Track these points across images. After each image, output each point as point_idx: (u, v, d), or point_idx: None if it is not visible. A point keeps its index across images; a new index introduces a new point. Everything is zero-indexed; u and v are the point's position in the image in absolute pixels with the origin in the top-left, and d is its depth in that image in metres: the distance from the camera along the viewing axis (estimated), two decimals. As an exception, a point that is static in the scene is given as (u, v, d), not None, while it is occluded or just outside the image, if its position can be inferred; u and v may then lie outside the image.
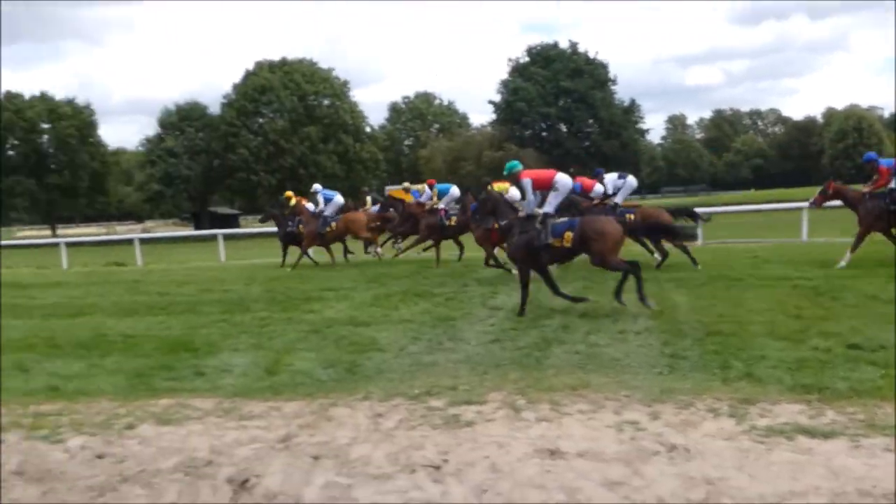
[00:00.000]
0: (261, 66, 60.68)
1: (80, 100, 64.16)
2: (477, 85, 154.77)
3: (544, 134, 58.72)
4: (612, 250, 8.70)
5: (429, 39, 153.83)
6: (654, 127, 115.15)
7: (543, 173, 10.01)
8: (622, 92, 69.60)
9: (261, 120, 58.71)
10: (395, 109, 78.65)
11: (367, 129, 65.09)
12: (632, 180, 13.67)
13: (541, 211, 9.28)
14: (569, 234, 8.78)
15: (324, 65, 62.55)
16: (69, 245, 26.30)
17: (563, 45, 59.66)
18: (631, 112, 61.53)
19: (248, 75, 60.40)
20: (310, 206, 17.50)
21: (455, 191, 15.94)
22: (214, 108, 61.15)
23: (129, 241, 28.64)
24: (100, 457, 4.58)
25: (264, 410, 5.47)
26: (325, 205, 17.15)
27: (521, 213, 9.39)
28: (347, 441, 4.64)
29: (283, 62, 61.01)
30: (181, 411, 5.55)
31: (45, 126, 60.90)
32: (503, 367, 6.40)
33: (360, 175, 58.19)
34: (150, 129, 73.50)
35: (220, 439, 4.80)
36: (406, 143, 76.48)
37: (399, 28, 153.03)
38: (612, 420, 4.83)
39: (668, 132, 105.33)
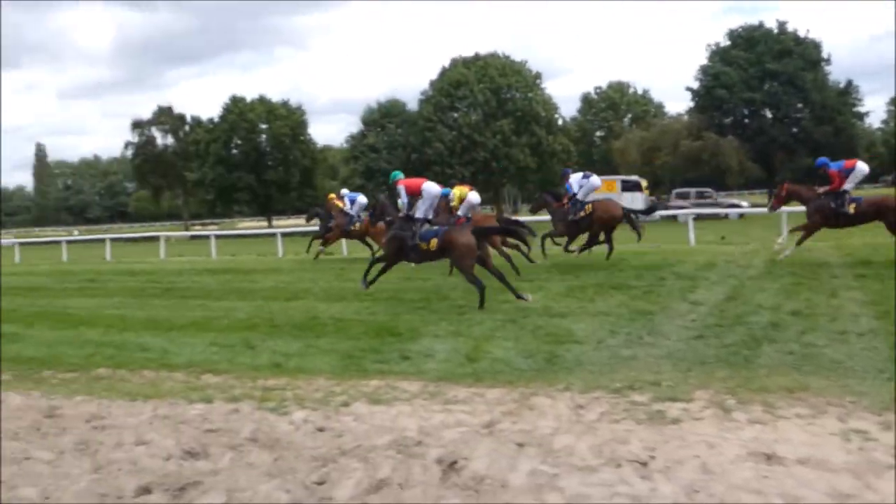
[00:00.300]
0: (456, 63, 62.17)
1: (293, 101, 69.33)
2: (673, 71, 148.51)
3: (746, 121, 55.07)
4: (464, 258, 9.93)
5: (622, 27, 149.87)
6: (874, 109, 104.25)
7: (414, 182, 11.42)
8: (837, 72, 63.50)
9: (455, 114, 60.15)
10: (586, 100, 77.47)
11: (559, 121, 64.66)
12: (595, 179, 15.08)
13: (416, 215, 10.82)
14: (434, 241, 10.31)
15: (516, 57, 62.99)
16: (284, 235, 28.42)
17: (769, 24, 55.68)
18: (847, 94, 56.12)
19: (444, 72, 62.10)
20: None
21: (362, 199, 19.50)
22: (413, 105, 63.56)
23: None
24: (320, 430, 4.92)
25: (468, 396, 5.60)
26: (351, 206, 19.47)
27: (400, 214, 10.98)
28: (550, 431, 4.64)
29: (477, 57, 62.09)
30: (390, 392, 5.84)
31: (263, 126, 66.35)
32: (708, 364, 6.11)
33: (552, 168, 57.95)
34: (354, 126, 77.66)
35: (428, 421, 4.98)
36: (597, 134, 75.12)
37: (591, 17, 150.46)
38: (837, 427, 4.45)
39: (890, 115, 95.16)
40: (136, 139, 78.24)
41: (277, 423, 5.14)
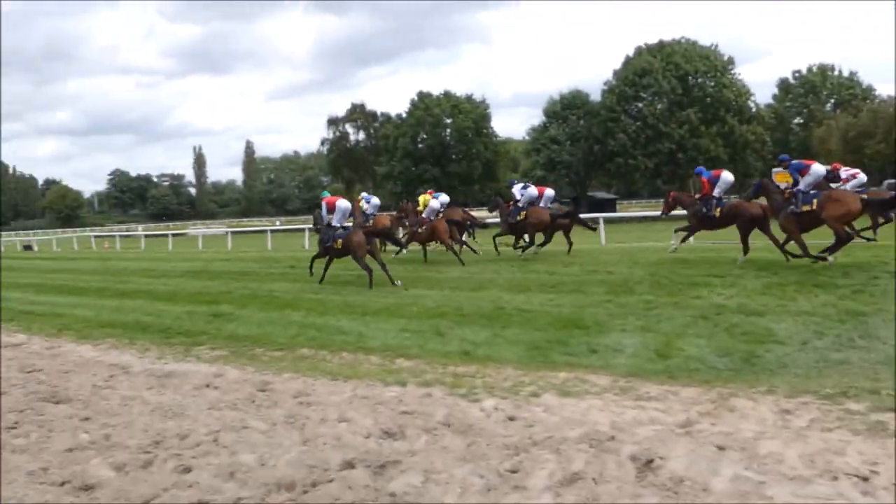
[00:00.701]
0: (640, 51, 60.19)
1: (476, 96, 70.41)
2: (886, 48, 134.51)
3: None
4: (357, 251, 13.32)
5: (825, 3, 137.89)
6: None
7: (331, 199, 14.32)
8: None
9: (639, 104, 58.28)
10: (783, 85, 72.09)
11: (752, 108, 60.67)
12: (532, 190, 17.39)
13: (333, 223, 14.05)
14: (339, 241, 13.61)
15: (704, 42, 59.87)
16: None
17: None
18: None
19: (628, 60, 60.34)
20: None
21: (376, 200, 22.52)
22: (595, 96, 62.36)
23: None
24: (511, 419, 4.93)
25: (661, 393, 5.40)
26: (367, 205, 21.74)
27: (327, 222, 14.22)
28: (753, 435, 4.35)
29: (662, 44, 59.72)
30: (579, 385, 5.75)
31: (448, 121, 67.95)
32: (937, 373, 5.47)
33: (745, 158, 54.61)
34: (535, 118, 77.54)
35: (620, 416, 4.85)
36: (795, 121, 69.70)
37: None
38: None
39: None
40: (331, 135, 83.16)
41: (469, 410, 5.22)
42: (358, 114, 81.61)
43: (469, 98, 69.10)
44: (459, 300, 10.91)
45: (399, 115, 71.48)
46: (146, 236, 45.79)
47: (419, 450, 4.42)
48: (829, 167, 14.96)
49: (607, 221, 25.71)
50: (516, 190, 17.84)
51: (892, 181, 40.15)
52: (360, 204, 22.00)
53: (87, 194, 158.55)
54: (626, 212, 63.05)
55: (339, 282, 14.58)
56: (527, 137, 69.01)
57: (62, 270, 23.34)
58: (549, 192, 17.94)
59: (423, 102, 68.09)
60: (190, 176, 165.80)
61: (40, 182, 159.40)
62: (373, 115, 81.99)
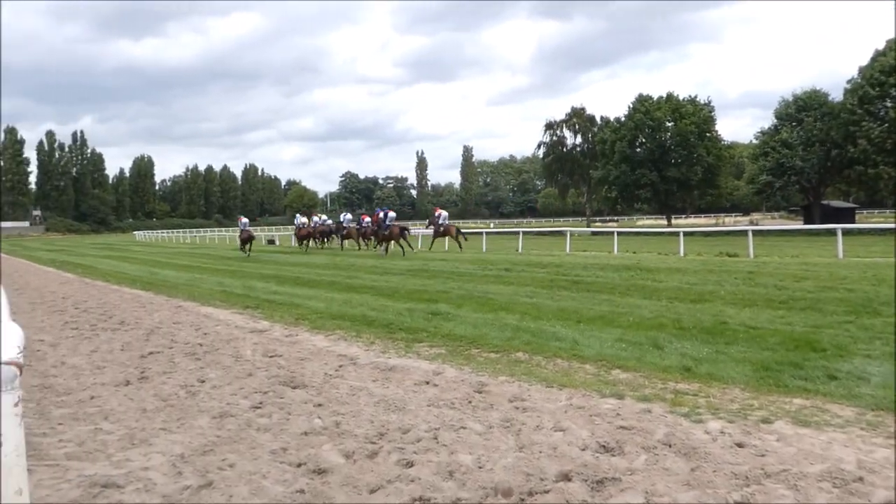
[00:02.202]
0: (891, 46, 53.88)
1: (701, 97, 67.11)
2: None
3: None
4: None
5: None
6: None
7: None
8: None
9: (889, 104, 52.19)
10: None
11: None
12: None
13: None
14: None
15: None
16: (685, 234, 27.65)
17: None
18: None
19: (877, 55, 54.26)
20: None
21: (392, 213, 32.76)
22: (836, 95, 56.84)
23: (739, 233, 28.88)
24: (739, 445, 4.58)
25: (920, 433, 4.74)
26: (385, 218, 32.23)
27: None
28: None
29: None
30: (818, 415, 5.22)
31: (669, 124, 65.38)
32: None
33: None
34: (765, 120, 72.33)
35: (869, 455, 4.32)
36: None
37: None
38: None
39: None
40: (547, 139, 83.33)
41: (692, 431, 4.93)
42: (577, 118, 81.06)
43: (692, 100, 66.03)
44: (678, 312, 10.42)
45: (617, 119, 69.97)
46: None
47: (639, 469, 4.23)
48: None
49: (845, 233, 23.33)
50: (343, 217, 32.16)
51: None
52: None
53: (321, 194, 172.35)
54: (865, 223, 56.89)
55: (553, 286, 14.53)
56: (754, 141, 64.59)
57: (298, 264, 25.48)
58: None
59: (643, 105, 66.08)
60: (412, 178, 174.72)
61: (283, 182, 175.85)
62: (591, 119, 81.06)
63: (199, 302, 14.41)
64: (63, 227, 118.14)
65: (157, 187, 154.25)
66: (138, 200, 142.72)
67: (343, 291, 15.00)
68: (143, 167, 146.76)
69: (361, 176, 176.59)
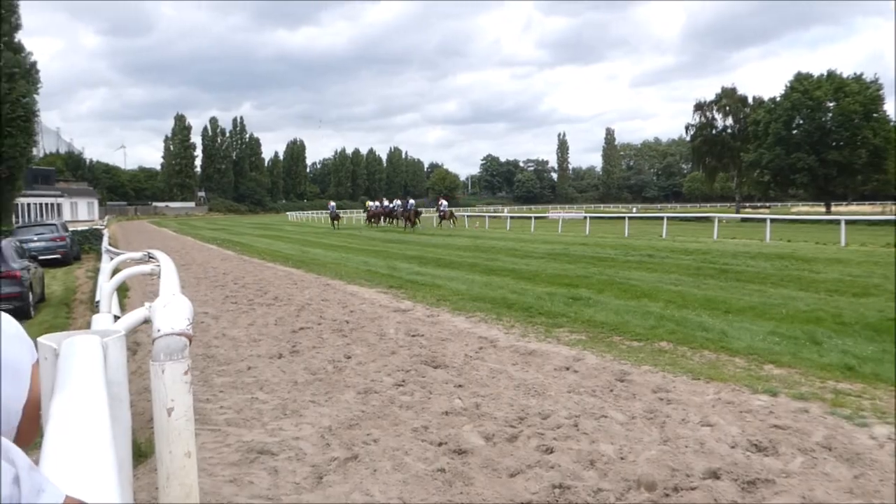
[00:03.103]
0: None
1: (868, 75, 61.80)
2: None
3: None
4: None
5: None
6: None
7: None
8: None
9: None
10: None
11: None
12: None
13: None
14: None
15: None
16: (847, 222, 25.67)
17: None
18: None
19: None
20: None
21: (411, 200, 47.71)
22: None
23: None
24: (912, 453, 4.18)
25: None
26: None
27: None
28: None
29: None
30: None
31: (830, 104, 60.77)
32: None
33: None
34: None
35: None
36: None
37: None
38: None
39: None
40: (696, 121, 79.78)
41: (855, 435, 4.55)
42: (728, 98, 77.06)
43: (858, 78, 60.96)
44: (839, 305, 9.70)
45: (772, 99, 65.82)
46: (511, 218, 48.78)
47: (795, 472, 3.96)
48: None
49: None
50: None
51: None
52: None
53: (462, 177, 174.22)
54: None
55: (699, 274, 13.94)
56: (931, 122, 58.81)
57: (440, 246, 25.87)
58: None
59: (802, 84, 61.72)
60: (553, 161, 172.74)
61: (426, 165, 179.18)
62: (743, 100, 76.77)
63: (345, 280, 14.96)
64: (224, 207, 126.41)
65: (308, 170, 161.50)
66: (291, 182, 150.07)
67: (483, 274, 15.09)
68: (296, 151, 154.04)
69: (502, 159, 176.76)
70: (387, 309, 10.85)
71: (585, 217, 39.00)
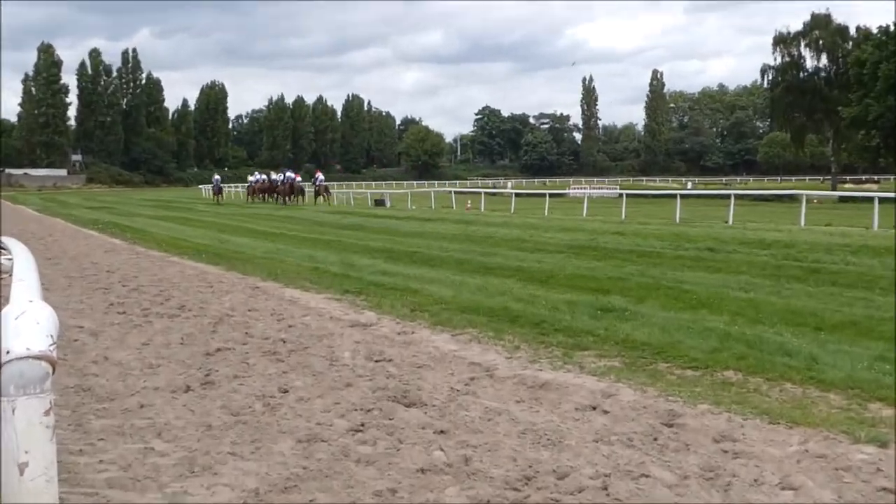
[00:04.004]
0: None
1: None
2: None
3: None
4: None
5: None
6: None
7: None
8: None
9: None
10: None
11: None
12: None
13: None
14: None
15: None
16: None
17: None
18: None
19: None
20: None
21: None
22: None
23: None
24: None
25: None
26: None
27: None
28: None
29: None
30: None
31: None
32: None
33: None
34: None
35: None
36: None
37: None
38: None
39: None
40: (777, 61, 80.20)
41: None
42: (819, 29, 77.46)
43: None
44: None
45: (884, 30, 66.20)
46: (517, 195, 48.94)
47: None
48: None
49: None
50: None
51: None
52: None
53: (448, 138, 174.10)
54: None
55: (780, 275, 14.04)
56: None
57: (417, 234, 25.93)
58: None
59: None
60: (576, 117, 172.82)
61: (398, 121, 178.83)
62: (841, 31, 77.21)
63: (282, 282, 14.93)
64: (109, 177, 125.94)
65: (230, 125, 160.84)
66: (206, 143, 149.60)
67: (477, 273, 15.11)
68: (214, 99, 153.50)
69: (505, 113, 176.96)
70: (340, 323, 10.85)
71: (621, 195, 39.29)
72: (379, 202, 56.58)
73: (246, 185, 73.73)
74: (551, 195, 46.05)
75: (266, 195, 64.98)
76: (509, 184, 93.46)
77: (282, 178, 63.37)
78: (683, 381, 7.45)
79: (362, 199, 65.34)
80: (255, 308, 12.23)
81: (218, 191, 67.78)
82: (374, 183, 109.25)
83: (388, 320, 10.95)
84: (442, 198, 53.57)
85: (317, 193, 58.42)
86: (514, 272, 15.20)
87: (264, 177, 69.17)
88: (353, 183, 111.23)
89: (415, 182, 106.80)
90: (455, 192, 54.37)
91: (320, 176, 62.94)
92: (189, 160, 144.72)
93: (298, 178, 65.35)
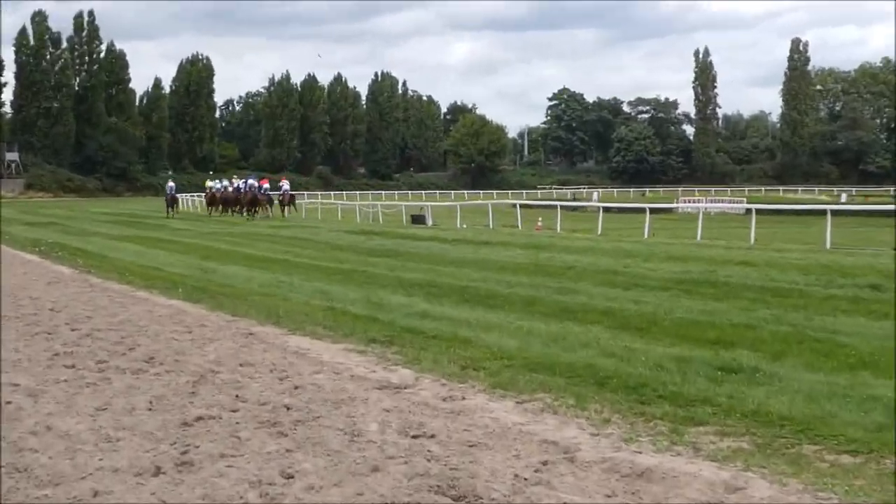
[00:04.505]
0: None
1: None
2: None
3: None
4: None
5: None
6: None
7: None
8: None
9: None
10: None
11: None
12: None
13: None
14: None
15: None
16: None
17: None
18: None
19: None
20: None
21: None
22: None
23: None
24: None
25: None
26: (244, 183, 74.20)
27: None
28: None
29: None
30: None
31: None
32: None
33: None
34: None
35: None
36: None
37: None
38: None
39: None
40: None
41: None
42: None
43: None
44: None
45: None
46: (605, 210, 48.77)
47: None
48: None
49: None
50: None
51: None
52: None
53: (513, 132, 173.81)
54: None
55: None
56: None
57: (469, 263, 25.93)
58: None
59: None
60: (686, 104, 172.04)
61: (443, 108, 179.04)
62: None
63: (286, 327, 14.96)
64: (55, 182, 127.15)
65: (218, 114, 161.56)
66: (185, 138, 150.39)
67: (552, 317, 15.05)
68: (196, 78, 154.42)
69: (589, 97, 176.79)
70: (365, 384, 10.83)
71: (748, 210, 39.02)
72: (417, 219, 56.64)
73: (204, 194, 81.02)
74: (653, 210, 45.82)
75: (232, 207, 72.06)
76: (595, 194, 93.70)
77: (244, 185, 71.81)
78: (838, 471, 7.33)
79: (395, 215, 65.59)
80: (248, 362, 12.24)
81: (172, 202, 74.04)
82: (410, 192, 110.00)
83: (429, 381, 10.91)
84: (503, 213, 53.72)
85: (282, 204, 68.86)
86: (601, 316, 15.11)
87: (226, 184, 76.64)
88: (382, 192, 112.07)
89: (465, 192, 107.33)
90: (521, 206, 54.28)
91: (286, 184, 73.48)
92: (162, 160, 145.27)
93: (265, 186, 71.49)
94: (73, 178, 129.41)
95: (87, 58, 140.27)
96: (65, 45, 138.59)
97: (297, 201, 73.89)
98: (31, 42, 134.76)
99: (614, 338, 13.16)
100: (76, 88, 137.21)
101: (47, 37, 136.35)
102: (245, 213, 67.58)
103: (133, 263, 27.05)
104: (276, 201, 70.78)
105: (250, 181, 72.22)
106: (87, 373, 11.72)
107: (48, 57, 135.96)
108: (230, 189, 73.75)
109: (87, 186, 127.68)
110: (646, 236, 36.75)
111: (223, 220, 64.20)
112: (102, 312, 17.11)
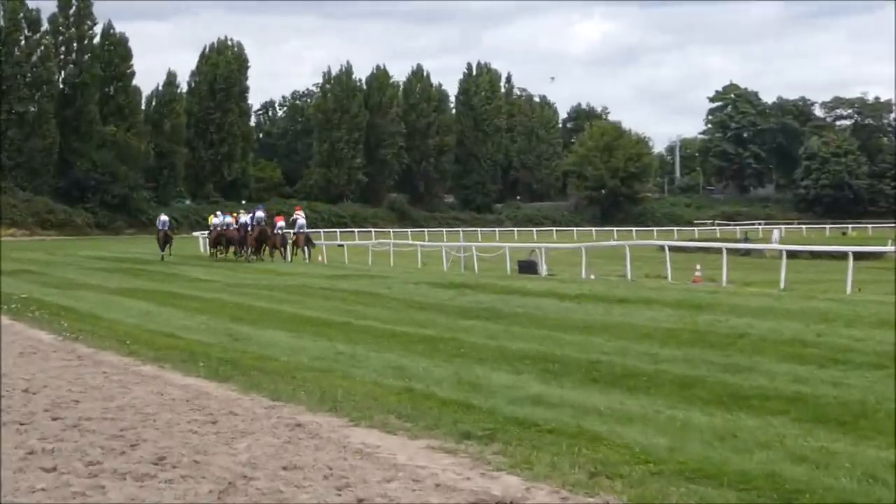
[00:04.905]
0: None
1: None
2: None
3: None
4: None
5: None
6: None
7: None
8: None
9: None
10: None
11: None
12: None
13: None
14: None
15: None
16: None
17: None
18: None
19: None
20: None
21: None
22: None
23: None
24: None
25: None
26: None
27: None
28: None
29: None
30: None
31: None
32: None
33: None
34: None
35: None
36: None
37: None
38: None
39: None
40: None
41: None
42: None
43: None
44: None
45: None
46: (788, 255, 48.27)
47: None
48: None
49: None
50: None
51: None
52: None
53: (659, 145, 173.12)
54: None
55: None
56: None
57: (599, 328, 25.88)
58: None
59: None
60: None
61: (562, 114, 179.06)
62: None
63: (345, 416, 14.97)
64: (31, 214, 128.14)
65: (254, 122, 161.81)
66: (210, 154, 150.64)
67: (716, 405, 14.99)
68: (225, 71, 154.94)
69: (768, 98, 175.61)
70: (455, 496, 10.79)
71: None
72: (526, 266, 56.56)
73: (207, 232, 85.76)
74: (858, 255, 45.23)
75: (238, 248, 78.30)
76: (775, 233, 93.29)
77: (251, 219, 76.44)
78: None
79: (496, 261, 65.53)
80: (295, 465, 12.26)
81: (165, 240, 79.65)
82: (516, 230, 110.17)
83: (545, 492, 10.85)
84: (646, 259, 53.57)
85: (295, 244, 74.79)
86: (787, 404, 14.98)
87: (229, 219, 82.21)
88: (478, 230, 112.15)
89: (593, 229, 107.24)
90: (671, 249, 53.94)
91: (300, 218, 78.35)
92: (176, 185, 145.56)
93: (280, 224, 76.82)
94: (55, 209, 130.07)
95: (75, 44, 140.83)
96: (46, 26, 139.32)
97: (313, 243, 78.28)
98: (1, 23, 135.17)
99: (805, 435, 13.01)
100: (61, 86, 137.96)
101: (21, 15, 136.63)
102: (250, 254, 72.99)
103: (137, 327, 27.31)
104: (289, 241, 74.41)
105: (258, 214, 75.54)
106: (73, 478, 11.76)
107: (23, 43, 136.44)
108: (234, 226, 77.96)
109: (75, 221, 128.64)
110: (848, 292, 36.42)
111: (247, 267, 67.02)
112: (95, 395, 17.24)
